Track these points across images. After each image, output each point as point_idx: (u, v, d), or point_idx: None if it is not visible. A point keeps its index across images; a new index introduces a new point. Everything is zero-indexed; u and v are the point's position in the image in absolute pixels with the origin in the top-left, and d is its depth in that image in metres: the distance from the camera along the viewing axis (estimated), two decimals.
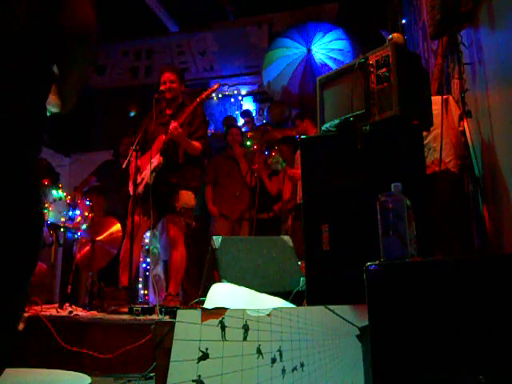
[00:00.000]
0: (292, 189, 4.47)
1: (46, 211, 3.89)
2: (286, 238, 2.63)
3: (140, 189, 3.35)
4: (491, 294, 1.21)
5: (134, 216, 3.29)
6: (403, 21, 4.56)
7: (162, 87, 3.54)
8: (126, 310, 2.85)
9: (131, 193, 3.43)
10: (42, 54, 1.18)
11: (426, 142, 2.29)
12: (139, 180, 3.38)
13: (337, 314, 1.70)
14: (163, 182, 3.35)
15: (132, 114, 6.37)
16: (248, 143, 5.46)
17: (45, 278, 3.64)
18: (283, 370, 1.65)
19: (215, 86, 3.47)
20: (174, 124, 3.30)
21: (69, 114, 1.30)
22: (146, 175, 3.34)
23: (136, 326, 2.46)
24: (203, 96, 3.42)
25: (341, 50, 5.55)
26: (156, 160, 3.35)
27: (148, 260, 5.04)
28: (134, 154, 3.27)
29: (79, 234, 4.39)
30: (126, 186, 3.65)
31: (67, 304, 3.37)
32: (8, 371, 2.13)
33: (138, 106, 6.23)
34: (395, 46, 1.89)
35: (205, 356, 1.67)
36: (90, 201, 4.66)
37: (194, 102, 3.41)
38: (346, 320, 1.69)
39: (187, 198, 3.47)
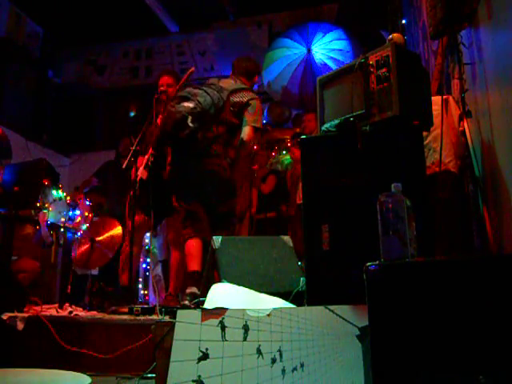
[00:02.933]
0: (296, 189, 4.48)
1: (45, 211, 3.89)
2: (286, 238, 2.63)
3: (136, 187, 3.35)
4: (491, 294, 1.21)
5: (132, 216, 3.29)
6: (403, 21, 4.56)
7: (160, 90, 3.56)
8: (125, 310, 2.85)
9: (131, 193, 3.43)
10: None
11: (426, 142, 2.29)
12: (133, 179, 3.38)
13: (337, 314, 1.70)
14: (158, 180, 3.33)
15: (132, 114, 6.38)
16: None
17: (38, 276, 3.65)
18: (283, 370, 1.65)
19: (190, 70, 3.47)
20: (160, 118, 3.31)
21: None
22: (139, 173, 3.34)
23: (136, 326, 2.46)
24: (181, 83, 3.42)
25: (341, 50, 5.55)
26: (148, 155, 3.36)
27: (148, 260, 5.04)
28: (135, 154, 3.28)
29: (79, 234, 4.39)
30: (126, 186, 3.66)
31: (67, 304, 3.37)
32: (8, 371, 2.14)
33: (137, 106, 6.24)
34: (395, 46, 1.88)
35: (205, 356, 1.67)
36: (90, 201, 4.66)
37: (175, 89, 3.43)
38: (345, 320, 1.68)
39: None
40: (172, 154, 3.23)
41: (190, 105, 2.96)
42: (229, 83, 3.32)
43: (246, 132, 3.24)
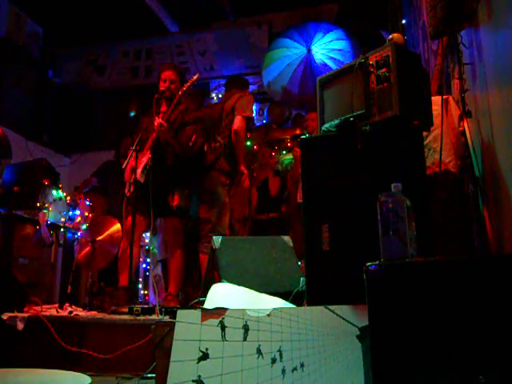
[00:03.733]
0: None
1: (45, 211, 3.89)
2: (286, 238, 2.63)
3: (131, 188, 3.34)
4: (491, 294, 1.21)
5: (131, 216, 3.28)
6: (403, 21, 4.56)
7: (162, 85, 3.53)
8: (125, 310, 2.85)
9: (126, 193, 3.42)
10: None
11: (425, 142, 2.29)
12: (132, 179, 3.37)
13: (337, 314, 1.70)
14: (155, 181, 3.32)
15: (132, 114, 6.37)
16: (248, 143, 5.46)
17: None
18: (283, 371, 1.65)
19: (195, 77, 3.48)
20: (158, 120, 3.30)
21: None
22: (138, 176, 3.32)
23: (136, 326, 2.46)
24: (184, 89, 3.42)
25: (341, 50, 5.55)
26: (146, 158, 3.34)
27: (148, 260, 5.03)
28: (134, 154, 3.26)
29: (79, 234, 4.38)
30: (123, 186, 3.64)
31: (67, 304, 3.37)
32: (8, 371, 2.14)
33: (138, 106, 6.23)
34: (395, 46, 1.89)
35: (205, 356, 1.67)
36: (90, 201, 4.66)
37: (177, 96, 3.42)
38: (346, 320, 1.68)
39: (183, 197, 3.48)
40: (184, 169, 3.53)
41: (192, 125, 3.46)
42: (224, 96, 3.84)
43: (235, 122, 3.58)
